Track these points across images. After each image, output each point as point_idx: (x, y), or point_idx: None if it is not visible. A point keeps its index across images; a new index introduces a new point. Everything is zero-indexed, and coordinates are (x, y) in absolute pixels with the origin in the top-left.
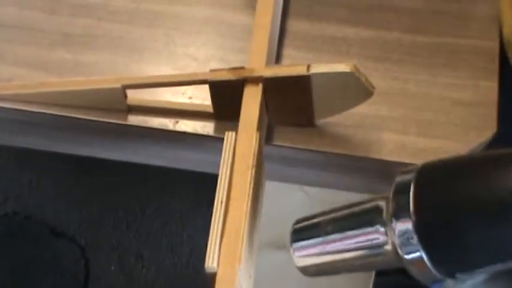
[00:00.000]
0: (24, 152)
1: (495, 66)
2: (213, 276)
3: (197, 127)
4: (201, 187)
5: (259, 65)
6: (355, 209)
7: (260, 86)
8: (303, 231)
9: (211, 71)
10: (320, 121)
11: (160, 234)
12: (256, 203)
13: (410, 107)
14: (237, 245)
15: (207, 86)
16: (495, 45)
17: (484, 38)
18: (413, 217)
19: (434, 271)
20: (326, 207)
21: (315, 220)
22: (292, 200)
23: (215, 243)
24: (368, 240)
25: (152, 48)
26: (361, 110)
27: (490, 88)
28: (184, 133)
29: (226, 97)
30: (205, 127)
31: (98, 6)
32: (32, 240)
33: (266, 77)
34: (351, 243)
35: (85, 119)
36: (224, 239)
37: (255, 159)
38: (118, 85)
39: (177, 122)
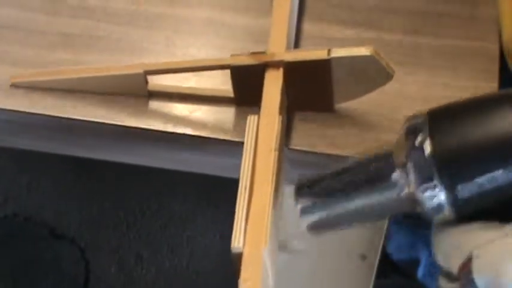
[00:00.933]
0: (23, 153)
1: (495, 67)
2: (238, 256)
3: (196, 128)
4: (201, 188)
5: (279, 50)
6: (365, 158)
7: (281, 71)
8: (310, 185)
9: (232, 56)
10: (339, 105)
11: (160, 236)
12: (279, 185)
13: (410, 108)
14: (262, 226)
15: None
16: (495, 47)
17: (485, 40)
18: (439, 180)
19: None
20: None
21: (323, 173)
22: (291, 201)
23: (240, 224)
24: (382, 185)
25: (152, 49)
26: (361, 112)
27: (490, 89)
28: (184, 135)
29: (246, 82)
30: (205, 129)
31: (98, 8)
32: (31, 242)
33: (287, 61)
34: (364, 191)
35: (85, 121)
36: (249, 221)
37: (278, 143)
38: (140, 71)
39: (176, 123)
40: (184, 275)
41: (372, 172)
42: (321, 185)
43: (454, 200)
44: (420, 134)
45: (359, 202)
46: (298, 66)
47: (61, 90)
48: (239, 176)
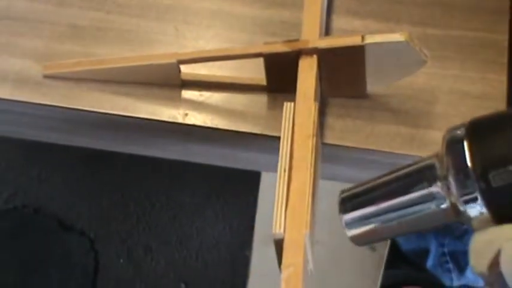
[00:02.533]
0: (33, 145)
1: (504, 59)
2: (280, 242)
3: (206, 120)
4: (211, 180)
5: (313, 37)
6: (406, 170)
7: (315, 57)
8: (352, 199)
9: (266, 43)
10: (371, 91)
11: (169, 227)
12: (317, 171)
13: (419, 99)
14: (303, 210)
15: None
16: (504, 38)
17: (494, 31)
18: (472, 170)
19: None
20: (336, 200)
21: (364, 187)
22: None
23: (280, 210)
24: (424, 198)
25: (162, 41)
26: (370, 104)
27: (499, 81)
28: (193, 126)
29: (280, 69)
30: (214, 120)
31: None
32: (41, 233)
33: (321, 48)
34: (405, 204)
35: (95, 112)
36: (289, 206)
37: (315, 128)
38: (173, 60)
39: (186, 114)
40: (193, 267)
41: (413, 185)
42: (362, 198)
43: (488, 190)
44: (460, 146)
45: (401, 215)
46: (331, 52)
47: (72, 81)
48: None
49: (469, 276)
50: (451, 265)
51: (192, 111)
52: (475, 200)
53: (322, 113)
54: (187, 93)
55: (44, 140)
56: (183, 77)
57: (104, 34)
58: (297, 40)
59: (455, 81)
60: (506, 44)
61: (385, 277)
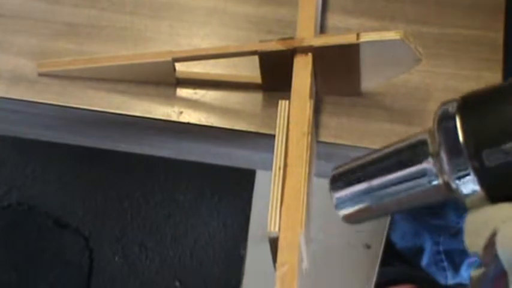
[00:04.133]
0: (28, 143)
1: (499, 57)
2: (275, 241)
3: (201, 118)
4: (205, 178)
5: (308, 35)
6: (397, 146)
7: (310, 56)
8: (343, 177)
9: (261, 41)
10: (365, 89)
11: (164, 225)
12: (311, 169)
13: (414, 97)
14: (298, 208)
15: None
16: (499, 36)
17: (488, 29)
18: (465, 148)
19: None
20: (330, 198)
21: (354, 164)
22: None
23: (275, 208)
24: (416, 175)
25: (156, 39)
26: (365, 102)
27: (493, 79)
28: (188, 124)
29: (275, 67)
30: (209, 118)
31: None
32: (35, 231)
33: (316, 47)
34: (397, 181)
35: (90, 110)
36: (284, 204)
37: (310, 126)
38: (168, 58)
39: (181, 112)
40: (187, 264)
41: (405, 161)
42: (354, 175)
43: (481, 169)
44: (451, 122)
45: (393, 191)
46: (326, 50)
47: (66, 79)
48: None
49: (463, 274)
50: (445, 263)
51: (187, 109)
52: (468, 178)
53: (317, 111)
54: (182, 91)
55: (39, 137)
56: (177, 75)
57: (98, 32)
58: (292, 38)
59: (450, 79)
60: (501, 41)
61: (379, 275)
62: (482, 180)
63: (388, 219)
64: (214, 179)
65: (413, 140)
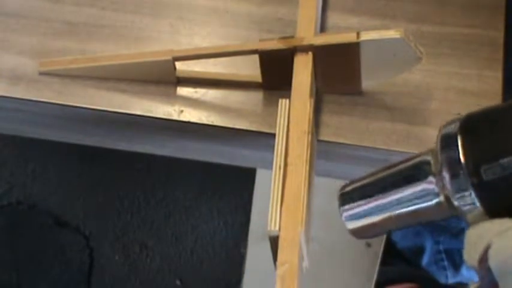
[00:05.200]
0: (28, 141)
1: (499, 56)
2: (275, 239)
3: (202, 116)
4: (206, 177)
5: (308, 34)
6: (402, 166)
7: (310, 54)
8: (351, 194)
9: (261, 40)
10: (366, 88)
11: (164, 224)
12: (312, 168)
13: (414, 96)
14: (298, 207)
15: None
16: (500, 35)
17: (489, 28)
18: (464, 165)
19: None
20: (331, 196)
21: (362, 182)
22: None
23: (276, 207)
24: (419, 193)
25: (157, 38)
26: (365, 101)
27: (494, 78)
28: (188, 123)
29: (275, 66)
30: (209, 116)
31: None
32: (36, 230)
33: (316, 45)
34: (402, 199)
35: (90, 109)
36: (285, 203)
37: (310, 125)
38: (168, 57)
39: (181, 111)
40: (188, 263)
41: (409, 181)
42: (360, 193)
43: (480, 185)
44: (453, 141)
45: (397, 209)
46: (327, 49)
47: (67, 78)
48: (272, 160)
49: (464, 273)
50: (446, 263)
51: (187, 108)
52: (468, 194)
53: (317, 110)
54: (182, 90)
55: (39, 136)
56: (178, 74)
57: (99, 31)
58: (292, 37)
59: (451, 78)
60: (501, 40)
61: (380, 274)
62: (481, 196)
63: None
64: (214, 177)
65: (416, 160)
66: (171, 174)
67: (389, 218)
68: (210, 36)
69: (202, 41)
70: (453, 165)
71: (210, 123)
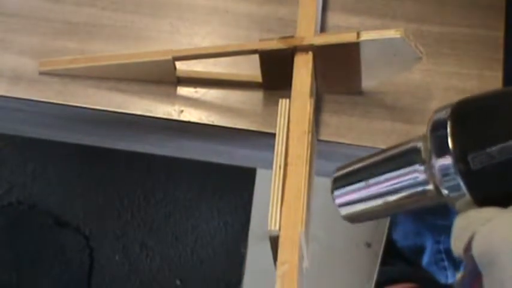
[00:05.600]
0: (28, 141)
1: (500, 55)
2: (275, 239)
3: (202, 116)
4: (206, 176)
5: (308, 34)
6: (393, 151)
7: (310, 54)
8: (343, 179)
9: (261, 40)
10: (366, 88)
11: (164, 224)
12: (312, 168)
13: (415, 96)
14: (298, 207)
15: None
16: (500, 35)
17: (489, 28)
18: (452, 152)
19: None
20: (331, 196)
21: (354, 167)
22: None
23: (276, 207)
24: (408, 180)
25: (157, 37)
26: (365, 100)
27: (494, 78)
28: (188, 122)
29: (275, 66)
30: (209, 116)
31: None
32: (36, 230)
33: (316, 45)
34: (392, 185)
35: (91, 109)
36: (285, 203)
37: (310, 125)
38: (168, 57)
39: (181, 111)
40: (188, 263)
41: (399, 167)
42: (353, 177)
43: (467, 172)
44: (443, 128)
45: (388, 195)
46: (327, 49)
47: (67, 78)
48: (272, 159)
49: None
50: (446, 263)
51: (188, 107)
52: (455, 182)
53: (317, 110)
54: (182, 90)
55: (39, 136)
56: (178, 73)
57: (99, 31)
58: (292, 37)
59: (451, 77)
60: (501, 40)
61: (380, 273)
62: (468, 184)
63: (389, 218)
64: (214, 177)
65: (407, 147)
66: (171, 174)
67: (381, 205)
68: (210, 36)
69: (202, 40)
70: (442, 151)
71: (210, 123)
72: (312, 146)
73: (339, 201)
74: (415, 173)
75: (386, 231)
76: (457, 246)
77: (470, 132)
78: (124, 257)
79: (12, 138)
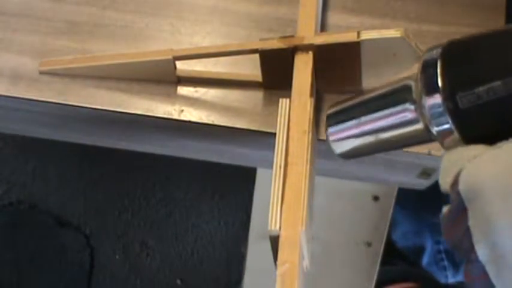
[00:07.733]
0: (28, 141)
1: None
2: (276, 239)
3: (202, 116)
4: (206, 176)
5: (308, 33)
6: (385, 90)
7: (310, 54)
8: (337, 116)
9: (261, 40)
10: (366, 87)
11: (165, 223)
12: (312, 168)
13: None
14: (299, 207)
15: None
16: None
17: (489, 27)
18: (441, 90)
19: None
20: (331, 196)
21: (348, 104)
22: None
23: (276, 207)
24: (399, 118)
25: (157, 37)
26: None
27: None
28: (189, 122)
29: (275, 66)
30: (210, 116)
31: None
32: (36, 229)
33: (316, 45)
34: (383, 123)
35: (91, 108)
36: (285, 203)
37: (311, 125)
38: (169, 57)
39: (181, 110)
40: (189, 262)
41: (390, 105)
42: (346, 114)
43: (455, 111)
44: (433, 66)
45: (380, 132)
46: (327, 49)
47: (67, 77)
48: (273, 159)
49: None
50: (446, 263)
51: (188, 107)
52: (444, 120)
53: (317, 109)
54: (182, 90)
55: (39, 135)
56: (178, 73)
57: (100, 30)
58: (292, 36)
59: None
60: None
61: (380, 273)
62: (456, 122)
63: (389, 217)
64: (215, 177)
65: (399, 85)
66: (171, 174)
67: (373, 141)
68: (210, 36)
69: (202, 40)
70: (431, 90)
71: (210, 122)
72: (312, 145)
73: (332, 138)
74: (405, 112)
75: (386, 230)
76: (444, 181)
77: (459, 72)
78: (124, 257)
79: (13, 137)
